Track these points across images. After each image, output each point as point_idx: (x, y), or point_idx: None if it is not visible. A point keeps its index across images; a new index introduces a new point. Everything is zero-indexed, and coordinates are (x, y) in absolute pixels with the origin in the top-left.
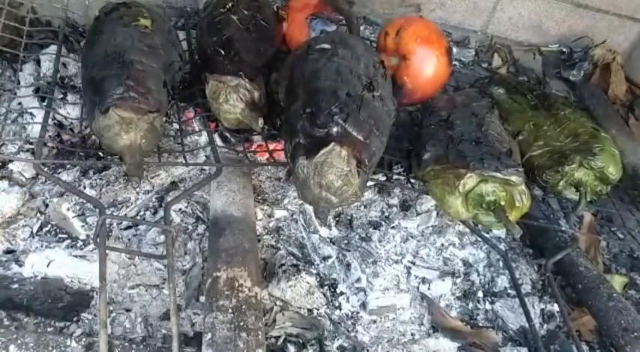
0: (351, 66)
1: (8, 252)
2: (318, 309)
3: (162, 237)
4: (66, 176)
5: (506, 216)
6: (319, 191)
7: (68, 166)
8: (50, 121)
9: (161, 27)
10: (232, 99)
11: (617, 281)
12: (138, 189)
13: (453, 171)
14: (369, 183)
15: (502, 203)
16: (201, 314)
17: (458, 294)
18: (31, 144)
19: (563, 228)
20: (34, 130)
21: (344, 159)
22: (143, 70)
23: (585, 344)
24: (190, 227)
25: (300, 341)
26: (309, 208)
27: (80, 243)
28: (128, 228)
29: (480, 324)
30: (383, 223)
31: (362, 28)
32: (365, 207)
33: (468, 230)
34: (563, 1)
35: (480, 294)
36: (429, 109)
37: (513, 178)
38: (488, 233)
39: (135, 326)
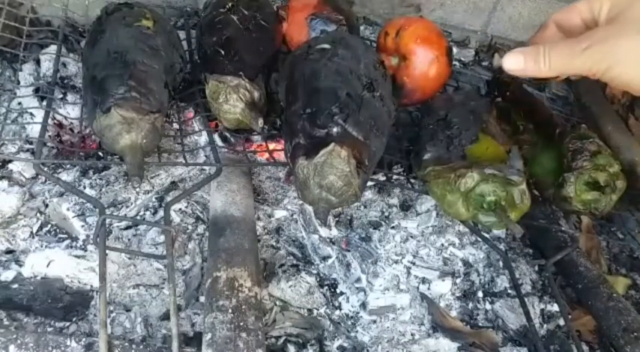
0: (351, 66)
1: (8, 252)
2: (318, 309)
3: (162, 237)
4: (66, 176)
5: (507, 215)
6: (319, 191)
7: (68, 166)
8: (50, 121)
9: (163, 28)
10: (232, 99)
11: (621, 283)
12: (138, 189)
13: (454, 171)
14: (369, 183)
15: (503, 203)
16: (201, 314)
17: (458, 294)
18: (31, 144)
19: (563, 228)
20: (34, 130)
21: (344, 160)
22: (145, 70)
23: (585, 344)
24: (190, 227)
25: (300, 341)
26: (309, 208)
27: (80, 243)
28: (128, 228)
29: (480, 324)
30: (383, 223)
31: (362, 28)
32: (365, 207)
33: (467, 230)
34: (563, 1)
35: (480, 294)
36: (428, 109)
37: (514, 178)
38: (488, 233)
39: (135, 326)
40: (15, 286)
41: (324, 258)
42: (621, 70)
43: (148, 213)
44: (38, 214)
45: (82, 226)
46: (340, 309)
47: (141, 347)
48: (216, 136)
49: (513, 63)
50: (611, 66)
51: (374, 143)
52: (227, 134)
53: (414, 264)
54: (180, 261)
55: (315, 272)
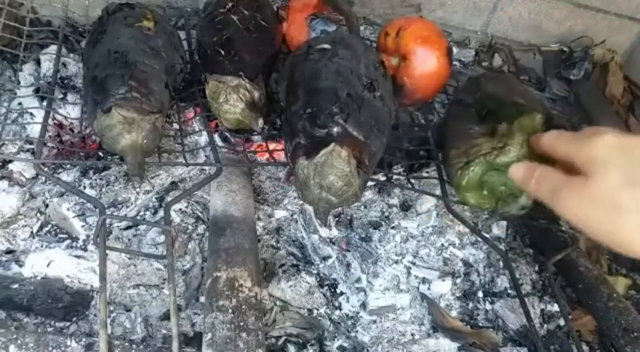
0: (351, 66)
1: (8, 252)
2: (318, 309)
3: (162, 237)
4: (66, 176)
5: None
6: (319, 191)
7: (68, 166)
8: (50, 121)
9: (164, 29)
10: (232, 99)
11: (621, 283)
12: (138, 189)
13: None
14: (369, 183)
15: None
16: (201, 314)
17: (458, 294)
18: (31, 144)
19: (563, 228)
20: (34, 130)
21: (344, 160)
22: (146, 70)
23: (585, 344)
24: (190, 227)
25: (300, 341)
26: (309, 208)
27: (80, 243)
28: (128, 228)
29: (480, 324)
30: (383, 223)
31: (362, 28)
32: (365, 207)
33: (468, 230)
34: (563, 1)
35: (480, 294)
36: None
37: None
38: (488, 233)
39: (135, 326)
40: (15, 286)
41: (324, 258)
42: None
43: (148, 213)
44: (38, 214)
45: (82, 226)
46: (340, 309)
47: (141, 347)
48: (216, 136)
49: None
50: None
51: (374, 143)
52: (227, 134)
53: (414, 264)
54: (180, 261)
55: (315, 272)
